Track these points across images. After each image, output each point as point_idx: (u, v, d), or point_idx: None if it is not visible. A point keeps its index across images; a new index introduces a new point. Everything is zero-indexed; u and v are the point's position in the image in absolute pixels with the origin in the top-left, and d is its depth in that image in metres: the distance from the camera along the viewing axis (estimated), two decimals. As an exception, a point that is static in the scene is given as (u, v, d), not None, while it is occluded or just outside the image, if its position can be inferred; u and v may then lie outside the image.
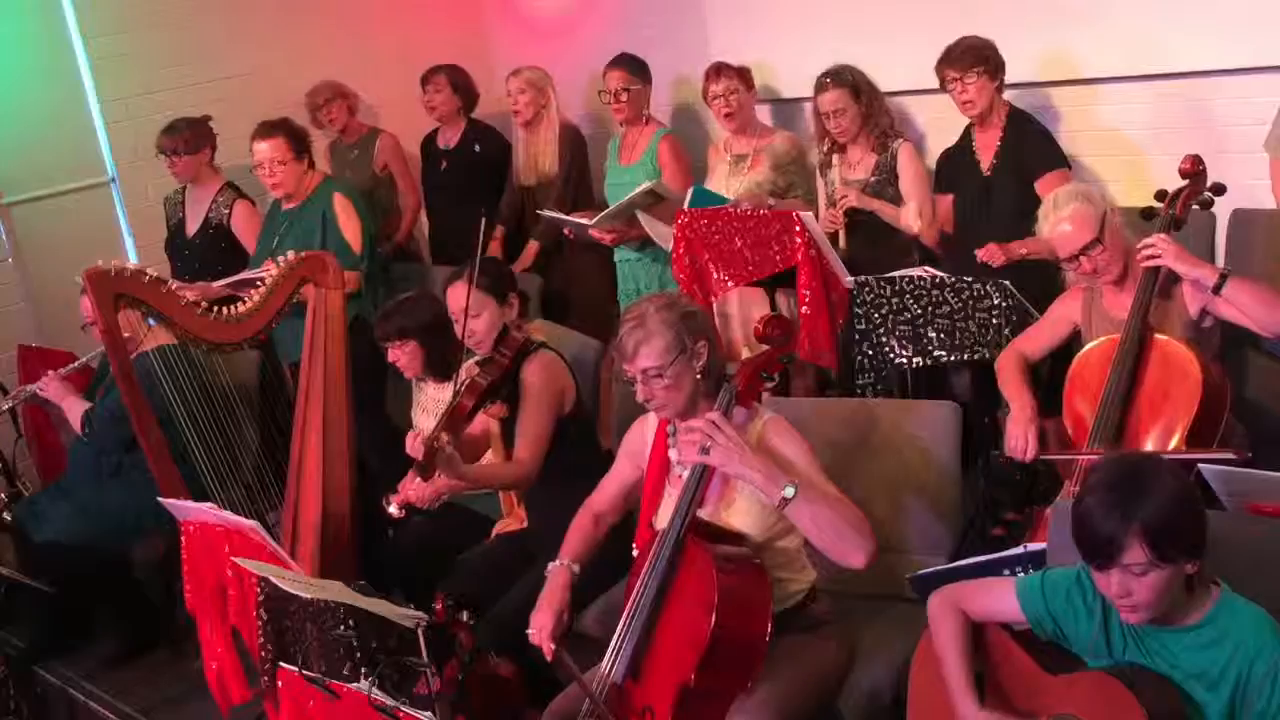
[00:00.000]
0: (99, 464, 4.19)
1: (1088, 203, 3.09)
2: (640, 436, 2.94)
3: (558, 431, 3.30)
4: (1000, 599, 2.33)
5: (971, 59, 4.04)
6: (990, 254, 3.85)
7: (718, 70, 4.59)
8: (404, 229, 5.58)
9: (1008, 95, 4.21)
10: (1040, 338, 3.36)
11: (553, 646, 2.67)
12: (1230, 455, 2.70)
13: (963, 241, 4.16)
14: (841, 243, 4.27)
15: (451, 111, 5.39)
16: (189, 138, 4.85)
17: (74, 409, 4.17)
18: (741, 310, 4.41)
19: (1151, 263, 2.99)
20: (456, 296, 3.34)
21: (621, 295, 4.92)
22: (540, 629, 2.72)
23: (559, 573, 2.85)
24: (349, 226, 4.53)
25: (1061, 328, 3.31)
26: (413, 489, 3.35)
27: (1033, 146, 4.07)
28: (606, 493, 2.99)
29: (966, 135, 4.24)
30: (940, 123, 4.33)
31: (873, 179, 4.37)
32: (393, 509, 3.37)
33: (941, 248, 4.33)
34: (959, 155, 4.26)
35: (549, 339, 3.50)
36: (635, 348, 2.65)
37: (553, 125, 5.15)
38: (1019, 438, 3.10)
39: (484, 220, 3.29)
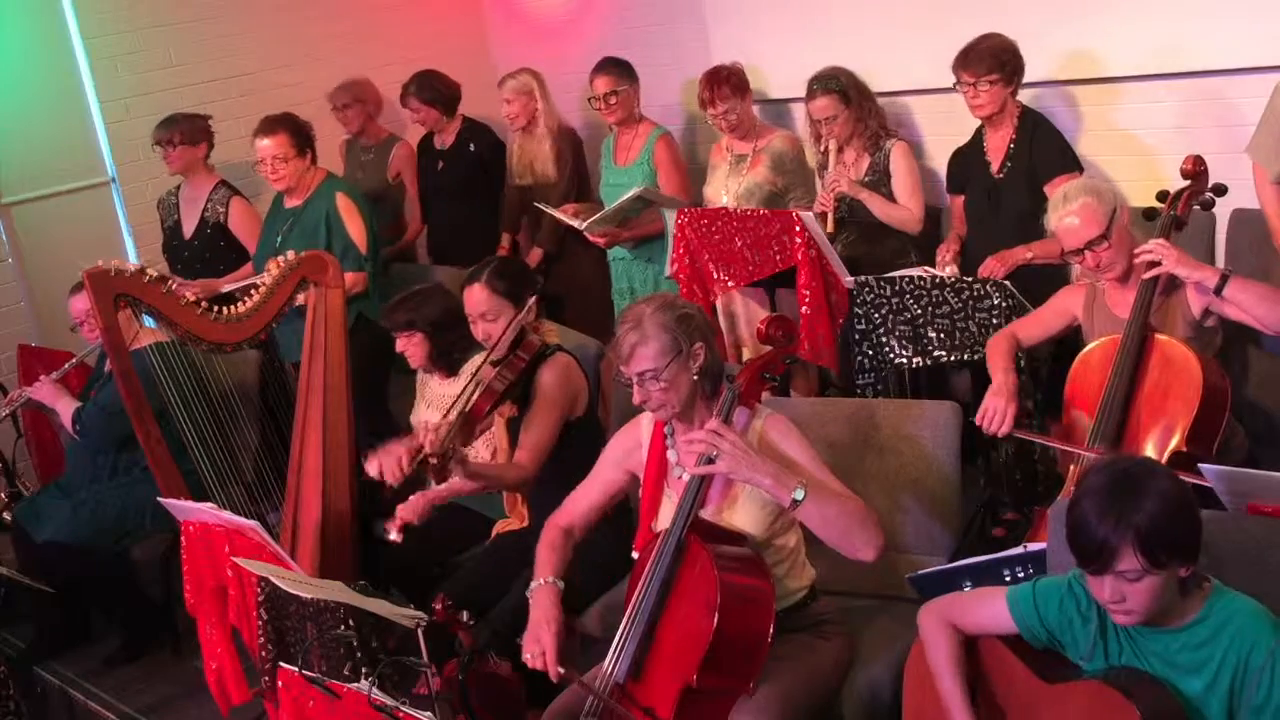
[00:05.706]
0: (97, 464, 4.19)
1: (1097, 198, 3.08)
2: (631, 441, 2.89)
3: (565, 433, 3.28)
4: (992, 612, 2.31)
5: (989, 64, 3.97)
6: (990, 269, 3.84)
7: (711, 97, 4.51)
8: (404, 242, 5.55)
9: (1022, 93, 4.18)
10: (1036, 325, 3.33)
11: (560, 671, 2.57)
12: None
13: (972, 242, 4.15)
14: (832, 227, 4.27)
15: (436, 119, 5.40)
16: (186, 130, 4.85)
17: (66, 409, 4.17)
18: (746, 309, 4.41)
19: (1153, 272, 2.99)
20: (473, 299, 3.32)
21: (615, 294, 4.94)
22: (545, 650, 2.60)
23: (546, 591, 2.74)
24: (354, 226, 4.52)
25: (1060, 319, 3.29)
26: (408, 509, 3.37)
27: (1044, 149, 4.02)
28: (581, 505, 2.90)
29: (978, 135, 4.21)
30: (939, 122, 4.31)
31: (867, 179, 4.37)
32: (393, 535, 3.38)
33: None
34: (970, 155, 4.23)
35: (562, 341, 3.49)
36: (631, 350, 2.65)
37: (548, 127, 5.15)
38: (995, 409, 3.08)
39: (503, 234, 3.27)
